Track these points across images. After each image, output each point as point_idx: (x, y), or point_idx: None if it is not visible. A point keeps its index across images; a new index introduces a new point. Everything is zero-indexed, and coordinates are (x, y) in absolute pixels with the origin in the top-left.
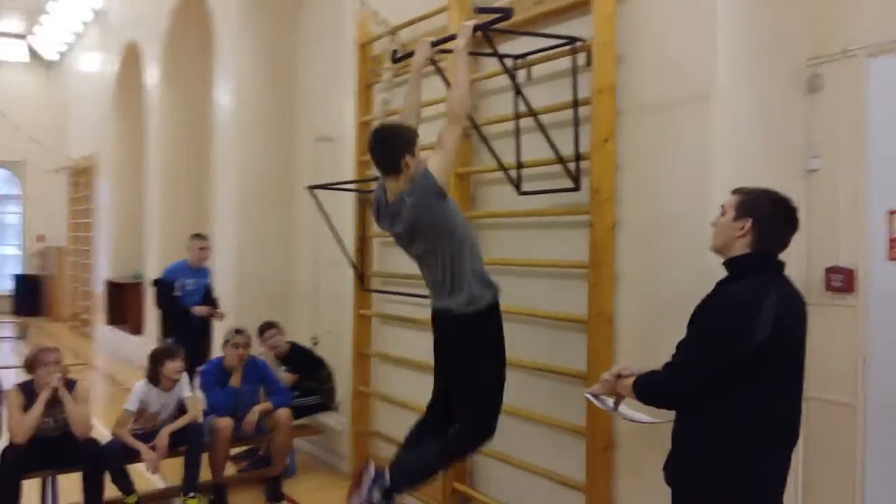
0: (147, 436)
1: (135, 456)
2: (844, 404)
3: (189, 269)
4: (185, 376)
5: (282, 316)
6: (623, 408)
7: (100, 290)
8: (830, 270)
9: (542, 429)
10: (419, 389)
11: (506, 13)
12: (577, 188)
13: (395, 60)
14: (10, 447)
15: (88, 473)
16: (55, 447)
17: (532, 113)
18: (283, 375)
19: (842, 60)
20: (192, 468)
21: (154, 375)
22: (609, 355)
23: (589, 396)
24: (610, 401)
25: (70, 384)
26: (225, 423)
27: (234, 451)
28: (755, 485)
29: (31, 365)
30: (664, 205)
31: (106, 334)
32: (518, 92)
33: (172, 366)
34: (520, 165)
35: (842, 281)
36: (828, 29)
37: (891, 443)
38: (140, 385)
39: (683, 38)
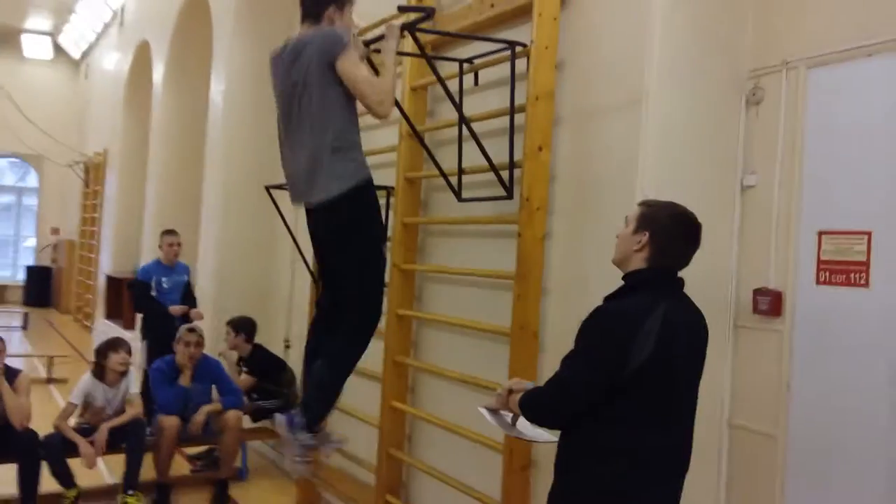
0: (91, 430)
1: (74, 450)
2: (766, 434)
3: (163, 267)
4: (131, 372)
5: (259, 317)
6: (522, 424)
7: (100, 284)
8: (758, 293)
9: (466, 443)
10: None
11: (428, 12)
12: (510, 196)
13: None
14: None
15: (24, 464)
16: None
17: (463, 120)
18: (242, 377)
19: (782, 72)
20: (132, 465)
21: (99, 369)
22: (534, 369)
23: (483, 412)
24: (508, 416)
25: (12, 374)
26: (171, 421)
27: (192, 451)
28: None
29: None
30: (596, 216)
31: (103, 328)
32: (449, 95)
33: (116, 358)
34: (461, 172)
35: (769, 304)
36: (771, 39)
37: (811, 476)
38: (85, 378)
39: (619, 43)
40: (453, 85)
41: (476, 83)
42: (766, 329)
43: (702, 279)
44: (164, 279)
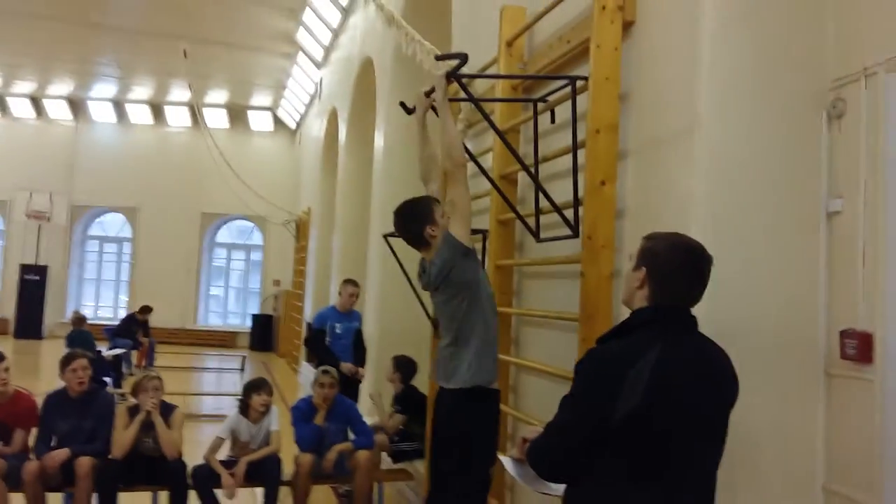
0: (234, 463)
1: (220, 480)
2: (861, 503)
3: (338, 314)
4: (273, 410)
5: (421, 360)
6: None
7: (304, 330)
8: (845, 335)
9: None
10: None
11: (461, 57)
12: (575, 235)
13: (408, 112)
14: (110, 460)
15: (174, 492)
16: (151, 465)
17: (521, 162)
18: (394, 416)
19: (860, 80)
20: (269, 498)
21: (244, 407)
22: None
23: (506, 461)
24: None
25: (168, 410)
26: (306, 458)
27: (342, 488)
28: None
29: (135, 390)
30: None
31: (305, 371)
32: (497, 132)
33: (258, 399)
34: (538, 212)
35: (857, 348)
36: (853, 45)
37: None
38: (232, 415)
39: (675, 69)
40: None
41: (552, 121)
42: (857, 377)
43: (785, 320)
44: (337, 325)
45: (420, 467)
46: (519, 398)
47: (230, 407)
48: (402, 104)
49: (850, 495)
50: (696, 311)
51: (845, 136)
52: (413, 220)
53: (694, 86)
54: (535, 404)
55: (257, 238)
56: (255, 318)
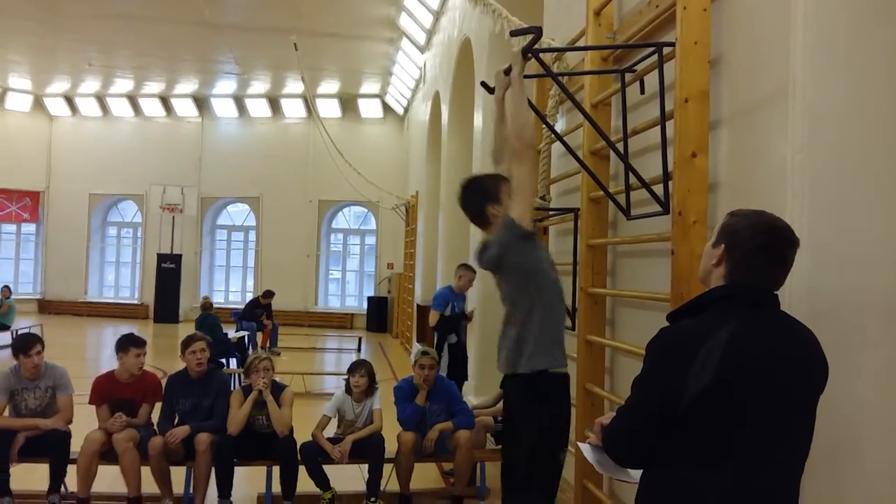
0: (341, 440)
1: (329, 457)
2: None
3: (455, 294)
4: (377, 390)
5: None
6: None
7: (415, 311)
8: None
9: None
10: None
11: (535, 31)
12: (665, 211)
13: (490, 91)
14: (227, 436)
15: (284, 466)
16: (264, 441)
17: (601, 136)
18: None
19: None
20: (373, 474)
21: (348, 386)
22: None
23: (585, 449)
24: None
25: (278, 389)
26: (407, 437)
27: (449, 466)
28: None
29: (247, 370)
30: None
31: (416, 350)
32: (577, 106)
33: (353, 380)
34: (628, 188)
35: None
36: None
37: None
38: (338, 394)
39: (769, 30)
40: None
41: (642, 92)
42: None
43: (892, 294)
44: (455, 303)
45: None
46: (615, 381)
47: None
48: (484, 83)
49: None
50: (793, 286)
51: None
52: (477, 196)
53: (787, 45)
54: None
55: (371, 223)
56: (371, 300)
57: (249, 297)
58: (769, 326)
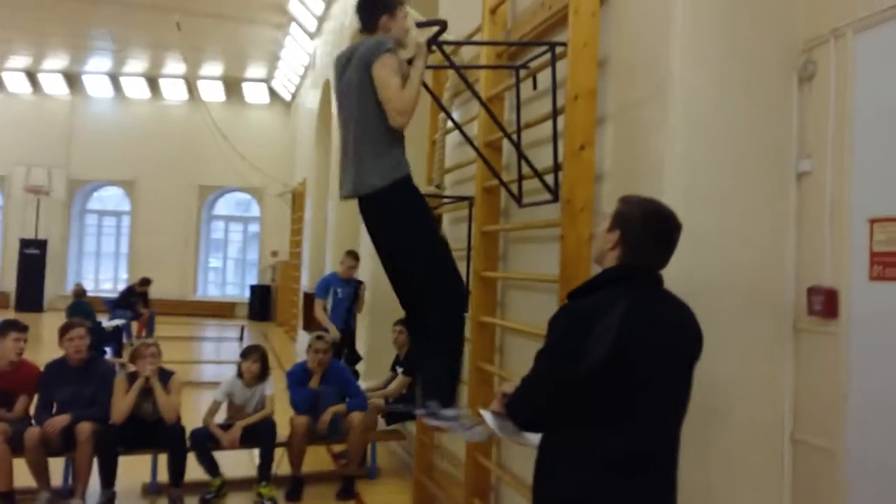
0: (233, 426)
1: (219, 443)
2: (826, 450)
3: (339, 280)
4: (270, 376)
5: None
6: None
7: (301, 299)
8: (812, 291)
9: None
10: None
11: (441, 24)
12: (555, 199)
13: None
14: (110, 425)
15: (173, 454)
16: (150, 429)
17: (499, 128)
18: (399, 377)
19: (830, 41)
20: (264, 459)
21: (239, 371)
22: None
23: (486, 415)
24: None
25: (165, 375)
26: (301, 420)
27: (338, 448)
28: None
29: (133, 357)
30: None
31: (302, 339)
32: (478, 97)
33: (245, 365)
34: (520, 178)
35: (822, 304)
36: (825, 5)
37: (876, 497)
38: (228, 379)
39: (652, 33)
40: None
41: (535, 88)
42: (823, 332)
43: (756, 277)
44: (339, 289)
45: (412, 427)
46: (505, 358)
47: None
48: None
49: (816, 443)
50: (672, 268)
51: (815, 97)
52: (375, 2)
53: (667, 48)
54: (520, 365)
55: (255, 210)
56: (253, 288)
57: (122, 285)
58: (656, 303)
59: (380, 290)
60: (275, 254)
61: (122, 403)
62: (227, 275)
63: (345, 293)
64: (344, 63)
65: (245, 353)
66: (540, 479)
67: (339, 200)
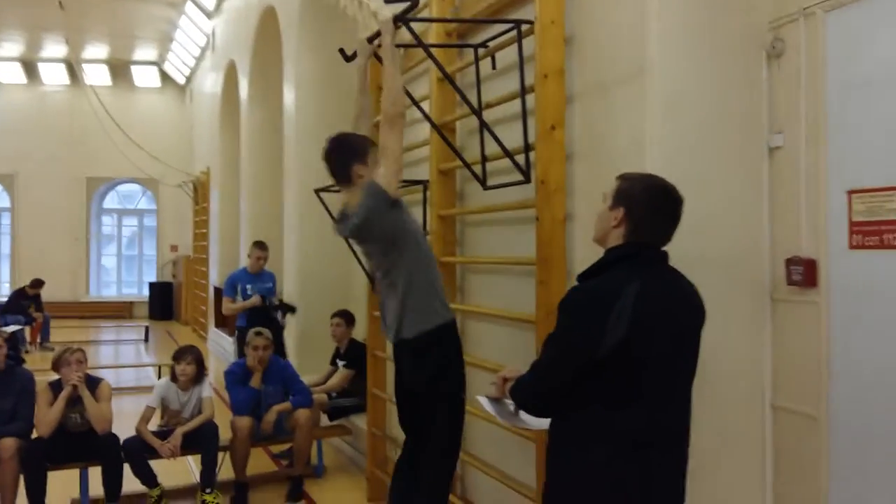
0: (169, 433)
1: (155, 451)
2: (808, 416)
3: (249, 275)
4: (206, 377)
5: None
6: (524, 413)
7: (211, 295)
8: (791, 262)
9: (500, 431)
10: None
11: (413, 0)
12: (527, 180)
13: (347, 59)
14: (36, 440)
15: (107, 466)
16: (80, 441)
17: (472, 107)
18: (341, 370)
19: (800, 20)
20: (207, 466)
21: (173, 374)
22: None
23: (483, 401)
24: (511, 405)
25: (93, 383)
26: (244, 422)
27: (277, 449)
28: (632, 496)
29: (56, 364)
30: None
31: (214, 336)
32: (449, 79)
33: (178, 368)
34: (484, 160)
35: (802, 274)
36: None
37: (856, 460)
38: (161, 383)
39: (624, 13)
40: (471, 72)
41: (493, 67)
42: (802, 301)
43: (733, 251)
44: (248, 286)
45: (359, 422)
46: (467, 343)
47: (147, 378)
48: (342, 51)
49: (797, 410)
50: None
51: (784, 74)
52: (343, 153)
53: (644, 29)
54: (484, 348)
55: (148, 202)
56: (153, 286)
57: (5, 287)
58: (666, 281)
59: (309, 282)
60: (174, 248)
61: (48, 415)
62: (122, 272)
63: (257, 289)
64: (342, 225)
65: (178, 355)
66: (558, 464)
67: (253, 191)
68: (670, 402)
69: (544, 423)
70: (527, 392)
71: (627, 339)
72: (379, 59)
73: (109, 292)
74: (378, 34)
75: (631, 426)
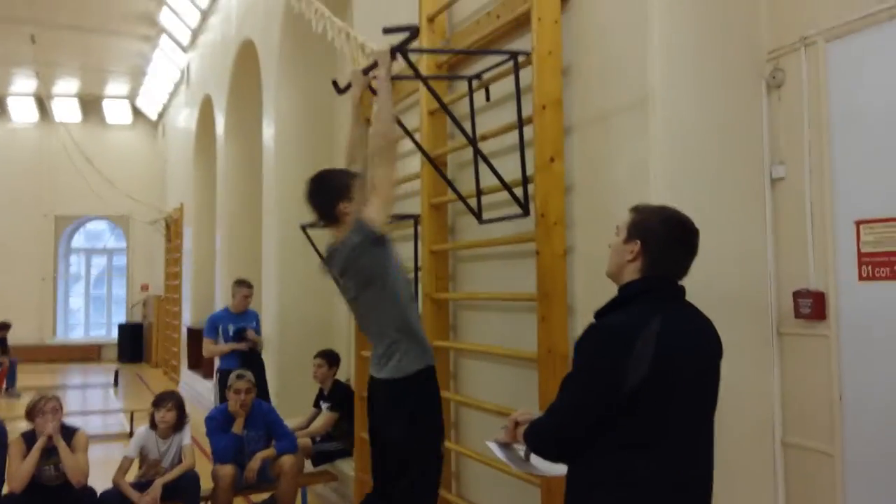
0: (148, 485)
1: None
2: (822, 452)
3: (232, 315)
4: (187, 424)
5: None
6: (536, 458)
7: (183, 337)
8: (798, 295)
9: (502, 475)
10: None
11: (412, 30)
12: (526, 213)
13: (340, 91)
14: (7, 496)
15: None
16: (55, 495)
17: (470, 139)
18: (325, 413)
19: (800, 50)
20: None
21: (153, 422)
22: None
23: (493, 447)
24: (521, 450)
25: (69, 433)
26: (226, 470)
27: (257, 498)
28: None
29: (30, 413)
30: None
31: (187, 379)
32: (447, 112)
33: (158, 415)
34: (479, 193)
35: (811, 307)
36: (789, 15)
37: (874, 499)
38: (140, 431)
39: (622, 41)
40: (463, 104)
41: (487, 99)
42: (812, 335)
43: (737, 284)
44: (231, 326)
45: (344, 467)
46: (459, 383)
47: (118, 424)
48: (335, 83)
49: (810, 446)
50: None
51: (785, 104)
52: (326, 191)
53: (645, 60)
54: (477, 387)
55: (118, 240)
56: (122, 327)
57: None
58: (685, 317)
59: (290, 321)
60: (145, 287)
61: (20, 469)
62: (91, 313)
63: (238, 329)
64: (331, 265)
65: (158, 401)
66: None
67: (230, 228)
68: (695, 442)
69: (557, 468)
70: (545, 436)
71: (650, 377)
72: (373, 90)
73: (76, 334)
74: (373, 65)
75: (657, 469)
